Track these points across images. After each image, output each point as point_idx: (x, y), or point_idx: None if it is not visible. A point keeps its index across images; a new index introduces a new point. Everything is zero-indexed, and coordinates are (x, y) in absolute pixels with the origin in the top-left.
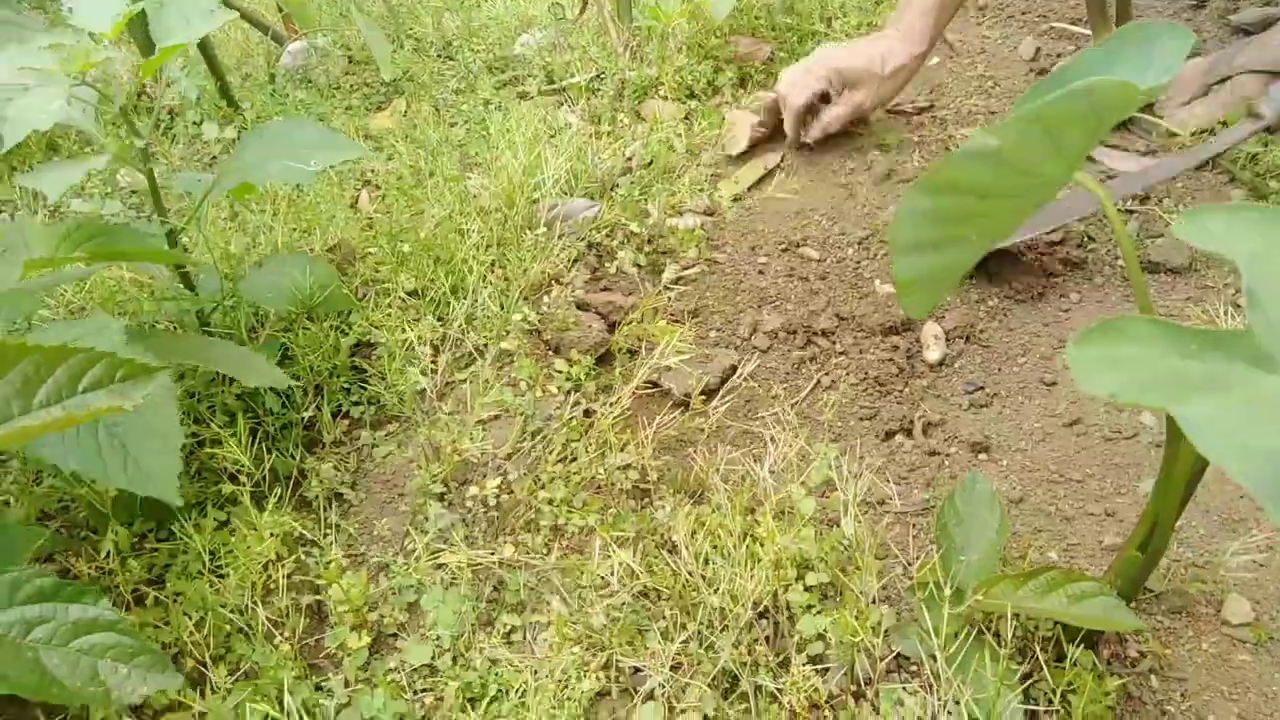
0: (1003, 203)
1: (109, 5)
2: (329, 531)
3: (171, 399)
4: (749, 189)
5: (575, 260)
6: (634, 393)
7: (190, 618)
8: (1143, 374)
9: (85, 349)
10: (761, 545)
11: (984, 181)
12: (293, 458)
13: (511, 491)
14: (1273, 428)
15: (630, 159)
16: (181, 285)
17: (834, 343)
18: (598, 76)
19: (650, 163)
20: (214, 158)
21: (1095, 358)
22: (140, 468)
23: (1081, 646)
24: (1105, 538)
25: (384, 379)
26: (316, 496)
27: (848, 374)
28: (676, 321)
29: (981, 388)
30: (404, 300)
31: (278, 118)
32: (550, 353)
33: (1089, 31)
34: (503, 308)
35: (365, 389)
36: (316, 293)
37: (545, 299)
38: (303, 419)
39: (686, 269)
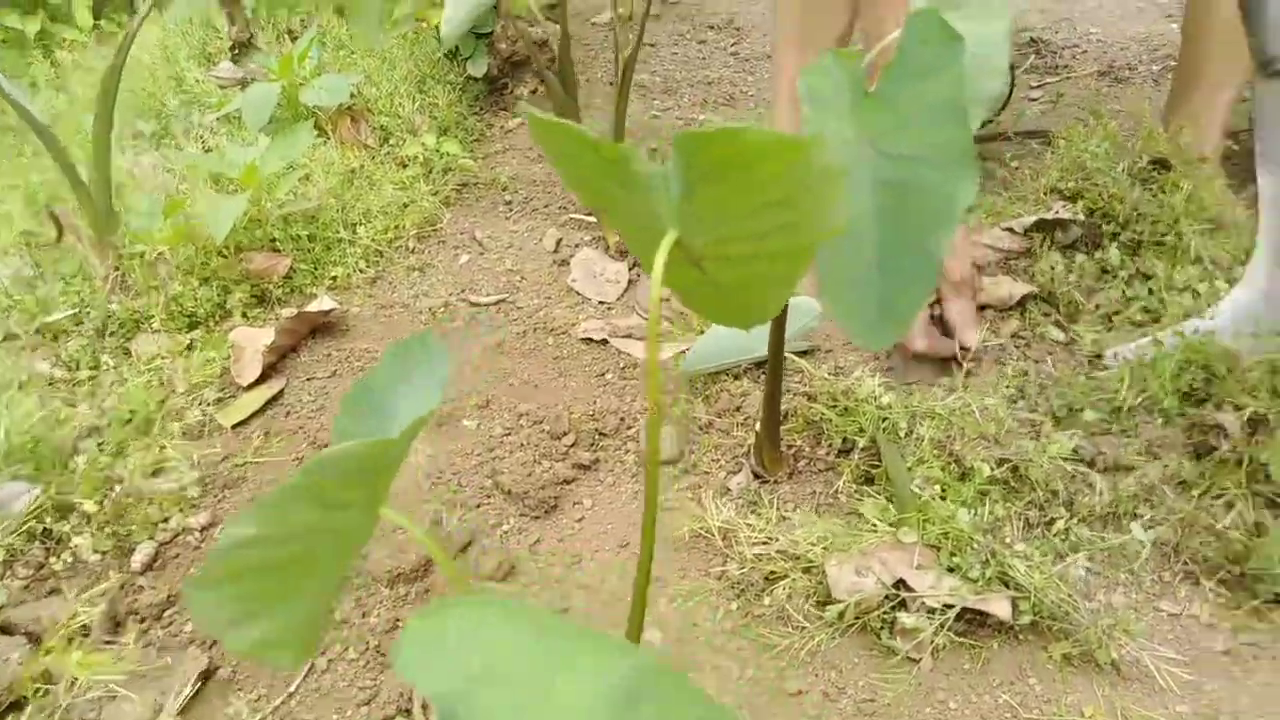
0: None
1: None
2: None
3: None
4: (251, 423)
5: (9, 562)
6: None
7: None
8: None
9: None
10: None
11: (294, 532)
12: None
13: None
14: None
15: (105, 412)
16: None
17: (332, 612)
18: (78, 313)
19: (130, 416)
20: None
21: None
22: None
23: None
24: None
25: None
26: None
27: (347, 649)
28: (143, 620)
29: None
30: None
31: None
32: None
33: None
34: None
35: None
36: None
37: None
38: None
39: (166, 544)
